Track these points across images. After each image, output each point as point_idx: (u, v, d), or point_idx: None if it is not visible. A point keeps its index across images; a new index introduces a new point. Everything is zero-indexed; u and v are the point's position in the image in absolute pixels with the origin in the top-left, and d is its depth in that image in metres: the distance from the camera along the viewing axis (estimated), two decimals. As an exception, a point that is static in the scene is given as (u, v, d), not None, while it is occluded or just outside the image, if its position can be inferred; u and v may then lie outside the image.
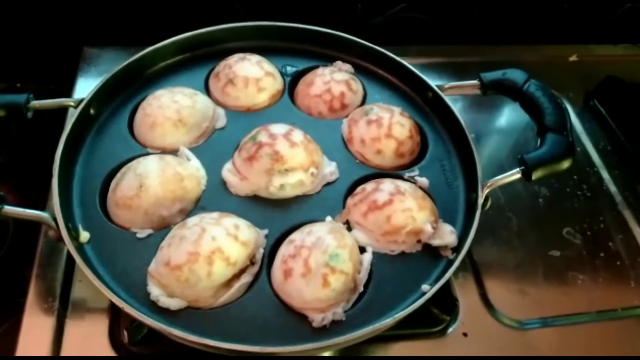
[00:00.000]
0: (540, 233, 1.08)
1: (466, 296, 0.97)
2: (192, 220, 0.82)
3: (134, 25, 1.31)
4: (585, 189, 1.16)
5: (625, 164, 1.21)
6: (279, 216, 0.88)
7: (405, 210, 0.85)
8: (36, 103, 0.93)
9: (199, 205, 0.88)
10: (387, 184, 0.89)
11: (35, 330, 0.87)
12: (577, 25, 1.47)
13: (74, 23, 1.31)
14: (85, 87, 1.17)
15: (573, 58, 1.42)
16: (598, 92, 1.33)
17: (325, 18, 1.27)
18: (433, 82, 1.05)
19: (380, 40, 1.16)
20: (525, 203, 1.13)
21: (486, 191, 0.88)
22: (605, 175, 1.19)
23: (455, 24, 1.45)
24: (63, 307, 0.89)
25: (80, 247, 0.82)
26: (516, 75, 0.98)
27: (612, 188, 1.17)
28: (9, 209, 0.81)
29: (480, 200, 0.87)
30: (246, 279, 0.81)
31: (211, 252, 0.77)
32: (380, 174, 0.95)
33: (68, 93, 1.20)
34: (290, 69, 1.11)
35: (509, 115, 1.29)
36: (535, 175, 0.87)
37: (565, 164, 0.87)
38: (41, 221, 0.81)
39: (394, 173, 0.96)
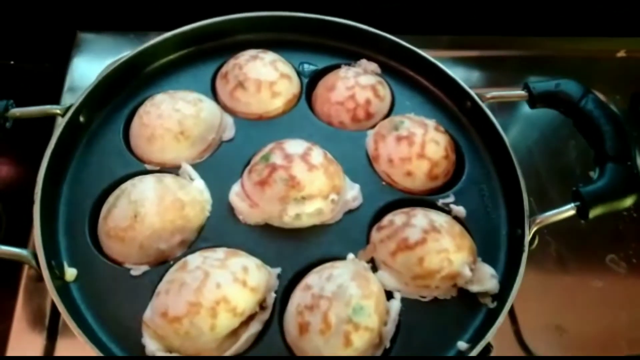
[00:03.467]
0: (581, 260, 0.97)
1: (498, 334, 0.87)
2: (194, 262, 0.71)
3: (133, 9, 1.17)
4: (631, 209, 1.03)
5: (679, 180, 1.09)
6: (293, 251, 0.77)
7: (441, 252, 0.74)
8: (17, 111, 0.81)
9: (202, 236, 0.77)
10: (420, 218, 0.77)
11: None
12: (626, 17, 1.31)
13: (70, 4, 1.18)
14: (79, 75, 1.09)
15: (621, 54, 1.28)
16: (649, 94, 1.19)
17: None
18: (467, 81, 0.92)
19: (401, 28, 1.02)
20: (565, 225, 0.99)
21: (534, 228, 0.77)
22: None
23: (487, 11, 1.30)
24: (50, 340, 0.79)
25: (64, 287, 0.71)
26: (571, 87, 0.86)
27: (663, 208, 1.05)
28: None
29: (527, 239, 0.76)
30: (255, 328, 0.71)
31: (215, 302, 0.67)
32: (410, 199, 0.84)
33: (63, 74, 1.10)
34: (308, 68, 0.98)
35: (547, 118, 1.16)
36: (592, 213, 0.76)
37: (629, 201, 0.76)
38: (20, 260, 0.71)
39: (426, 199, 0.84)
